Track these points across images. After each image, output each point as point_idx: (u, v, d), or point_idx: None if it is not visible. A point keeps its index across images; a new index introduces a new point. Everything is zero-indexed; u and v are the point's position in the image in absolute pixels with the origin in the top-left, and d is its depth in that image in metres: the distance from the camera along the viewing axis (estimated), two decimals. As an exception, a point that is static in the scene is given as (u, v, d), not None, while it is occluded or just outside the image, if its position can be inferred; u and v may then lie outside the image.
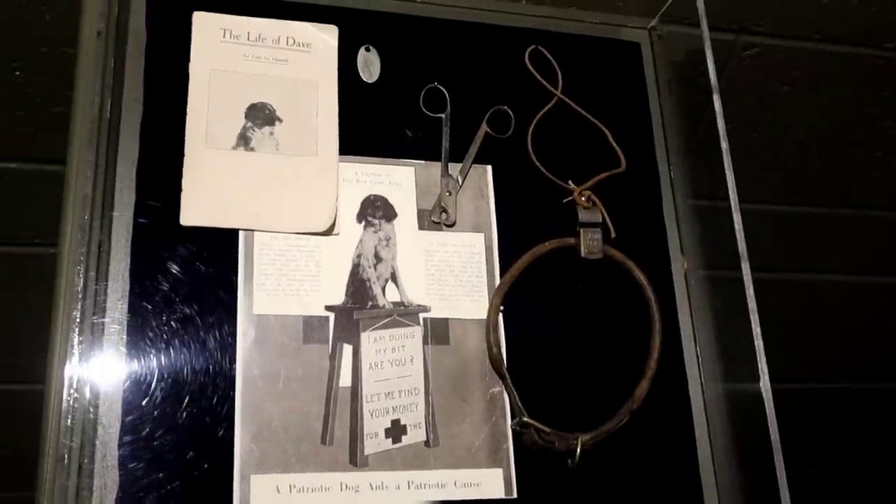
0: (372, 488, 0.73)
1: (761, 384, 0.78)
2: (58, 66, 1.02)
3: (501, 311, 0.80)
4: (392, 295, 0.78)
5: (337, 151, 0.81)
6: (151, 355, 0.71)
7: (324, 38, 0.84)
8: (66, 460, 0.65)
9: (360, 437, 0.74)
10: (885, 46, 1.18)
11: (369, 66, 0.85)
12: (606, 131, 0.89)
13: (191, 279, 0.74)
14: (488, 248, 0.82)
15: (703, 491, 0.81)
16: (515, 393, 0.77)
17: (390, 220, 0.81)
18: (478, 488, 0.75)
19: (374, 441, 0.74)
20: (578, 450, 0.76)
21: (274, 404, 0.72)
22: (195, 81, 0.79)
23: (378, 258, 0.79)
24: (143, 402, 0.70)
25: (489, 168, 0.85)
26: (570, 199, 0.85)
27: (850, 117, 1.28)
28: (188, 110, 0.78)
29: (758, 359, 0.79)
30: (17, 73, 1.03)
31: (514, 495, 0.76)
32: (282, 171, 0.78)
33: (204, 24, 0.81)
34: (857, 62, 1.20)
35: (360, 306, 0.77)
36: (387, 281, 0.79)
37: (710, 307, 0.87)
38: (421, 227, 0.81)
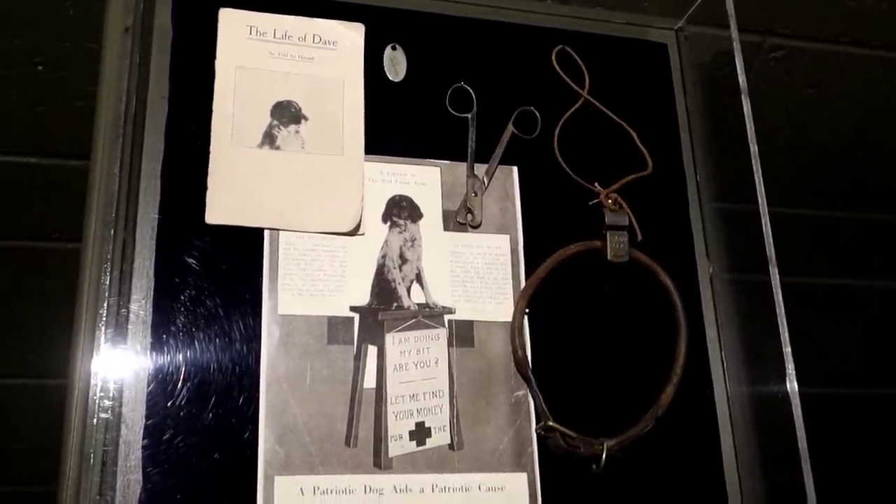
0: (396, 491, 0.72)
1: (789, 389, 0.77)
2: (80, 61, 1.02)
3: (527, 314, 0.79)
4: (417, 296, 0.78)
5: (363, 151, 0.80)
6: (176, 355, 0.70)
7: (350, 36, 0.83)
8: (90, 460, 0.65)
9: (384, 439, 0.73)
10: (912, 50, 1.17)
11: (395, 64, 0.84)
12: (633, 133, 0.89)
13: (215, 278, 0.73)
14: (514, 250, 0.82)
15: (728, 497, 0.81)
16: (540, 396, 0.76)
17: (416, 220, 0.80)
18: (502, 492, 0.74)
19: (399, 443, 0.73)
20: (604, 455, 0.75)
21: (298, 405, 0.72)
22: (221, 78, 0.78)
23: (403, 259, 0.78)
24: (167, 403, 0.69)
25: (515, 169, 0.84)
26: (596, 201, 0.84)
27: (877, 120, 1.27)
28: (214, 108, 0.77)
29: (786, 364, 0.78)
30: (40, 67, 1.03)
31: (539, 500, 0.75)
32: (307, 169, 0.78)
33: (230, 21, 0.80)
34: (884, 65, 1.18)
35: (385, 307, 0.76)
36: (412, 282, 0.78)
37: (735, 311, 0.87)
38: (446, 228, 0.81)
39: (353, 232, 0.78)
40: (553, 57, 0.89)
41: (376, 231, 0.79)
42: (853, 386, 1.62)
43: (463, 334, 0.78)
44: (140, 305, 0.71)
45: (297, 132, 0.79)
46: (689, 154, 0.91)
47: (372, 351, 0.75)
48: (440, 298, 0.78)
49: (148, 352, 0.70)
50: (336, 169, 0.79)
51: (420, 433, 0.74)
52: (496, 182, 0.83)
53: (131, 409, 0.68)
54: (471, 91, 0.85)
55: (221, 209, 0.75)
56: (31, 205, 1.16)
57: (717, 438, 0.82)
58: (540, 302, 0.80)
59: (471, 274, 0.80)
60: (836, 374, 1.57)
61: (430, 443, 0.74)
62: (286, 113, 0.79)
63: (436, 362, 0.76)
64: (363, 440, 0.72)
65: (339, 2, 0.84)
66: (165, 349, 0.70)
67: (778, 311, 0.79)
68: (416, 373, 0.76)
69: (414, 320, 0.77)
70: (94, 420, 0.66)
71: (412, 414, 0.75)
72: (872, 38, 1.15)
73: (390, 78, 0.84)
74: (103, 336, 0.68)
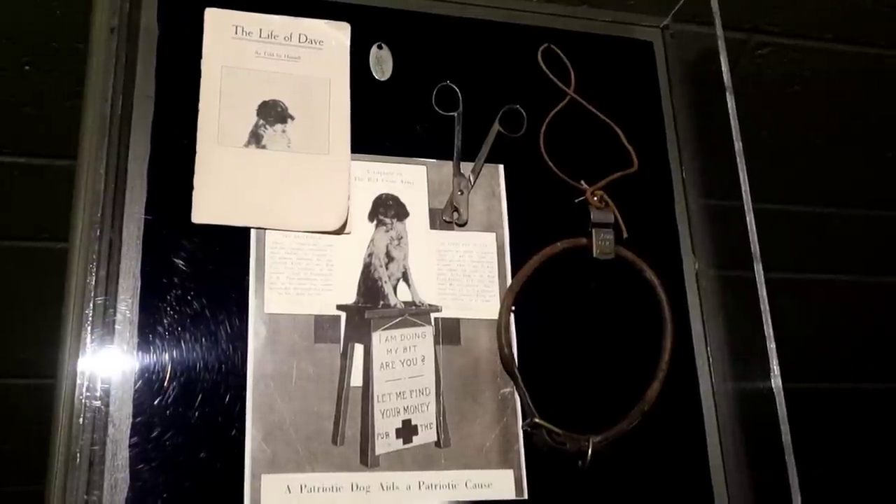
0: (383, 488, 0.72)
1: (773, 385, 0.78)
2: (67, 61, 1.02)
3: (513, 312, 0.80)
4: (403, 294, 0.78)
5: (349, 150, 0.80)
6: (162, 354, 0.71)
7: (336, 36, 0.83)
8: (77, 459, 0.65)
9: (371, 437, 0.73)
10: (897, 46, 1.18)
11: (381, 63, 0.85)
12: (619, 130, 0.89)
13: (202, 277, 0.74)
14: (500, 248, 0.82)
15: (713, 492, 0.81)
16: (527, 393, 0.77)
17: (402, 219, 0.80)
18: (489, 489, 0.75)
19: (385, 441, 0.74)
20: (589, 451, 0.76)
21: (285, 404, 0.72)
22: (207, 78, 0.78)
23: (390, 257, 0.79)
24: (154, 401, 0.69)
25: (501, 167, 0.85)
26: (582, 198, 0.85)
27: (862, 117, 1.27)
28: (200, 107, 0.77)
29: (770, 360, 0.78)
30: (27, 68, 1.03)
31: (525, 496, 0.75)
32: (294, 169, 0.78)
33: (216, 21, 0.80)
34: (869, 62, 1.19)
35: (371, 306, 0.77)
36: (398, 280, 0.78)
37: (721, 308, 0.87)
38: (433, 227, 0.81)
39: (340, 231, 0.78)
40: (539, 55, 0.90)
41: (363, 230, 0.79)
42: (838, 381, 1.63)
43: (449, 332, 0.78)
44: (127, 305, 0.71)
45: (284, 131, 0.79)
46: (674, 151, 0.92)
47: (358, 349, 0.75)
48: (427, 296, 0.79)
49: (135, 351, 0.70)
50: (322, 168, 0.79)
51: (407, 431, 0.75)
52: (482, 180, 0.84)
53: (118, 408, 0.68)
54: (457, 90, 0.85)
55: (208, 208, 0.75)
56: (19, 205, 1.16)
57: (702, 434, 0.83)
58: (526, 299, 0.80)
59: (457, 272, 0.80)
60: (821, 370, 1.58)
61: (417, 440, 0.75)
62: (272, 112, 0.79)
63: (422, 360, 0.77)
64: (350, 438, 0.73)
65: (325, 1, 0.84)
66: (152, 348, 0.71)
67: (762, 307, 0.80)
68: (402, 371, 0.76)
69: (400, 318, 0.77)
70: (81, 419, 0.66)
71: (399, 412, 0.75)
72: (857, 36, 1.16)
73: (376, 77, 0.84)
74: (90, 335, 0.68)
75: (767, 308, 0.80)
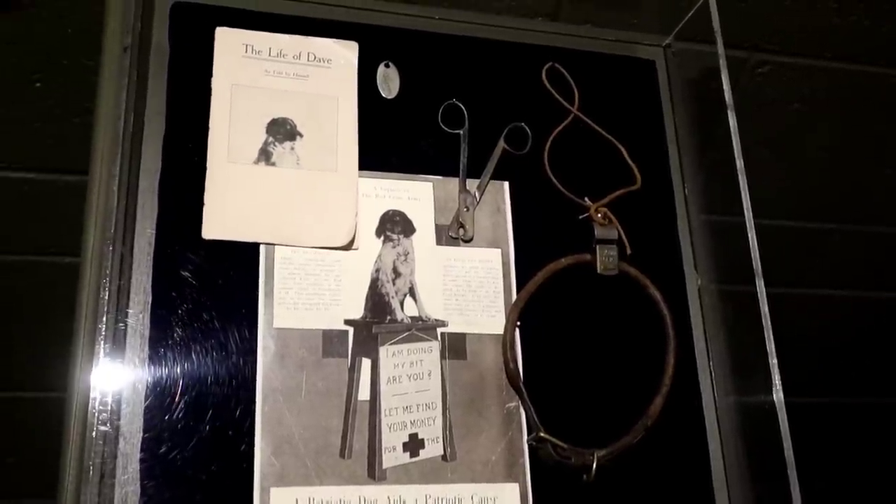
0: (390, 502, 0.73)
1: (775, 399, 0.78)
2: (77, 78, 1.03)
3: (518, 327, 0.81)
4: (410, 309, 0.79)
5: (357, 166, 0.81)
6: (173, 368, 0.71)
7: (344, 54, 0.85)
8: (89, 472, 0.66)
9: (378, 450, 0.74)
10: (896, 65, 1.19)
11: (388, 81, 0.86)
12: (622, 148, 0.90)
13: (212, 292, 0.75)
14: (505, 264, 0.83)
15: (716, 506, 0.82)
16: (532, 408, 0.78)
17: (409, 235, 0.81)
18: (494, 502, 0.75)
19: (392, 455, 0.74)
20: (594, 465, 0.76)
21: (294, 418, 0.73)
22: (217, 96, 0.80)
23: (397, 273, 0.80)
24: (165, 416, 0.70)
25: (506, 184, 0.86)
26: (586, 215, 0.86)
27: (861, 134, 1.28)
28: (210, 125, 0.79)
29: (772, 375, 0.79)
30: (38, 84, 1.04)
31: (530, 509, 0.76)
32: (302, 185, 0.79)
33: (226, 40, 0.81)
34: (868, 80, 1.20)
35: (378, 321, 0.78)
36: (405, 296, 0.79)
37: (723, 323, 0.88)
38: (439, 243, 0.82)
39: (348, 246, 0.79)
40: (543, 74, 0.91)
41: (370, 245, 0.80)
42: (839, 395, 1.63)
43: (455, 347, 0.79)
44: (138, 319, 0.72)
45: (293, 149, 0.80)
46: (677, 168, 0.93)
47: (366, 363, 0.76)
48: (433, 312, 0.80)
49: (145, 365, 0.71)
50: (330, 185, 0.80)
51: (413, 445, 0.75)
52: (488, 197, 0.85)
53: (129, 422, 0.69)
54: (462, 108, 0.87)
55: (218, 224, 0.76)
56: (29, 220, 1.17)
57: (705, 448, 0.83)
58: (531, 315, 0.81)
59: (463, 287, 0.81)
60: (823, 384, 1.59)
61: (424, 454, 0.75)
62: (281, 130, 0.80)
63: (429, 374, 0.78)
64: (357, 452, 0.74)
65: (334, 20, 0.86)
66: (163, 363, 0.71)
67: (764, 322, 0.81)
68: (409, 385, 0.77)
69: (407, 333, 0.78)
70: (93, 433, 0.67)
71: (406, 426, 0.76)
72: (857, 54, 1.17)
73: (383, 95, 0.86)
74: (102, 350, 0.69)
75: (769, 323, 0.81)
